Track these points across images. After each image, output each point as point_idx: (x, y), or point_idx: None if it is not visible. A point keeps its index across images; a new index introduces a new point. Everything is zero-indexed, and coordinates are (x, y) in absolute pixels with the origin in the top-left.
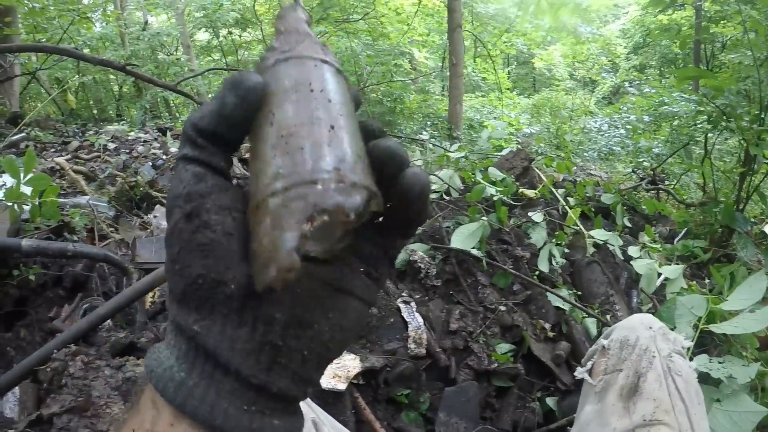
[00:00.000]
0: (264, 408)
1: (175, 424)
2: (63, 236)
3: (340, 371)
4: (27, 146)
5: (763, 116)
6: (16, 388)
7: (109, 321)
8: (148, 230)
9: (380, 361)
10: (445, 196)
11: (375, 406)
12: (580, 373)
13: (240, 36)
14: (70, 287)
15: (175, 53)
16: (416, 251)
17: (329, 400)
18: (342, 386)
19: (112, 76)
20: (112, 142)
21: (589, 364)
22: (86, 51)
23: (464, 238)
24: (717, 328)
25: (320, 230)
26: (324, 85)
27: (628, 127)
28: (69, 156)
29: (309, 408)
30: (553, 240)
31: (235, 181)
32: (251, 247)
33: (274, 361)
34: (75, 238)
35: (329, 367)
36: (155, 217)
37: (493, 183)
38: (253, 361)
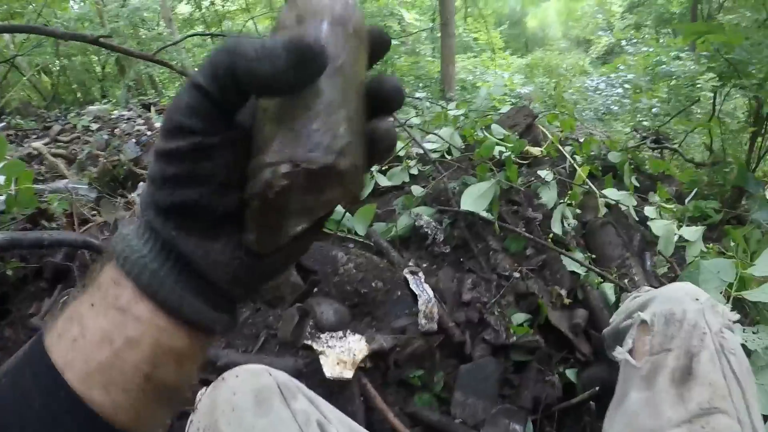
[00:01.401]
0: (220, 306)
1: (138, 303)
2: (40, 225)
3: (345, 356)
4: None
5: None
6: None
7: None
8: (132, 210)
9: (389, 341)
10: (446, 156)
11: (385, 390)
12: (619, 353)
13: (223, 6)
14: (51, 279)
15: (156, 28)
16: (421, 215)
17: (335, 390)
18: (348, 374)
19: (94, 57)
20: (94, 122)
21: (630, 341)
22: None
23: (474, 199)
24: (750, 295)
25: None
26: (344, 61)
27: (626, 86)
28: (48, 140)
29: (313, 407)
30: (565, 200)
31: None
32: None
33: (237, 274)
34: (53, 225)
35: (333, 352)
36: (139, 195)
37: (501, 140)
38: (221, 271)
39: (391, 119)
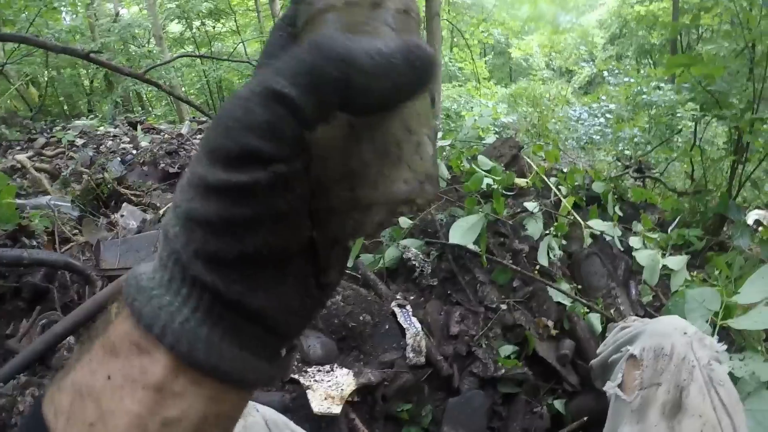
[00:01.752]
0: (274, 359)
1: (179, 376)
2: (20, 241)
3: (333, 391)
4: None
5: (756, 104)
6: None
7: (70, 338)
8: (114, 231)
9: (377, 375)
10: None
11: (372, 424)
12: (610, 388)
13: (213, 27)
14: (29, 299)
15: (147, 45)
16: (409, 248)
17: (322, 425)
18: (336, 409)
19: (83, 71)
20: (80, 137)
21: (619, 376)
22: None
23: (463, 232)
24: (735, 323)
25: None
26: None
27: (608, 116)
28: (32, 153)
29: None
30: (552, 231)
31: None
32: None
33: (290, 310)
34: (34, 243)
35: (321, 387)
36: (122, 216)
37: (488, 172)
38: (296, 319)
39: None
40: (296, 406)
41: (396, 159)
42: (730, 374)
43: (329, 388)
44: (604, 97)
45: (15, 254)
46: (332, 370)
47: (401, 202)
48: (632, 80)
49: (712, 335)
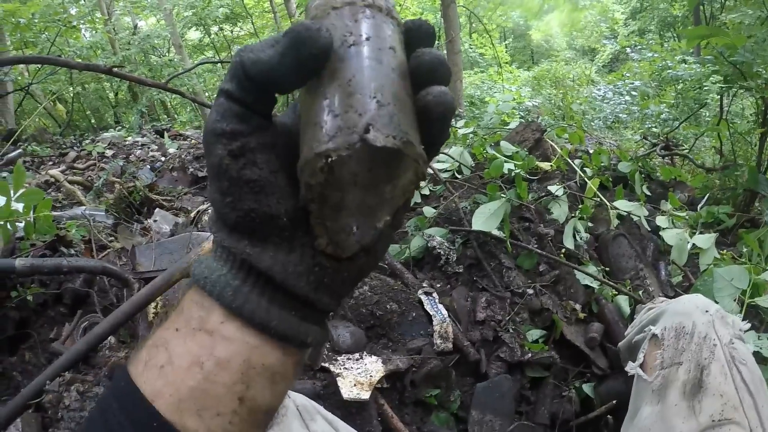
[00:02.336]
0: (308, 317)
1: (225, 322)
2: (59, 251)
3: (362, 378)
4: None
5: None
6: (18, 421)
7: (111, 338)
8: (148, 236)
9: (405, 362)
10: (457, 175)
11: (402, 410)
12: (631, 368)
13: (231, 31)
14: (70, 304)
15: (167, 54)
16: (434, 236)
17: (352, 411)
18: (366, 395)
19: (107, 84)
20: (109, 148)
21: (641, 356)
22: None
23: (486, 218)
24: (764, 301)
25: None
26: (366, 36)
27: (633, 93)
28: (65, 167)
29: (331, 427)
30: (576, 214)
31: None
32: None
33: (321, 281)
34: (72, 251)
35: (350, 374)
36: (155, 221)
37: (510, 157)
38: (304, 282)
39: (443, 87)
40: (327, 394)
41: (316, 124)
42: (758, 354)
43: (358, 375)
44: (628, 74)
45: (55, 263)
46: (361, 357)
47: (318, 155)
48: (656, 55)
49: (740, 314)
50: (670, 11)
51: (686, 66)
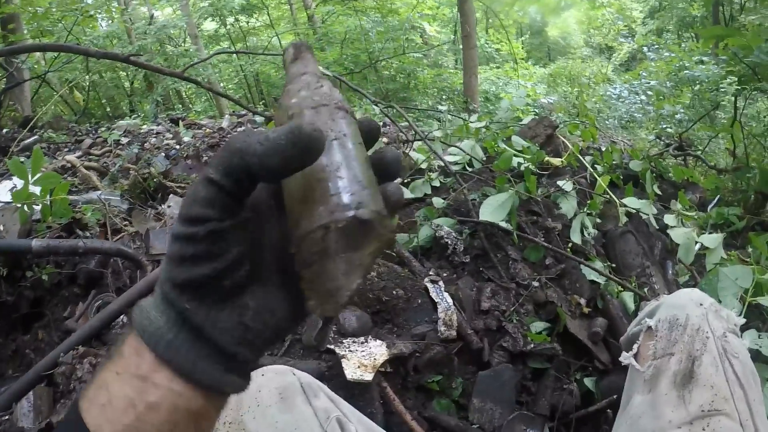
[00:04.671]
0: (231, 369)
1: (157, 371)
2: (75, 233)
3: (366, 360)
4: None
5: None
6: (30, 393)
7: (123, 317)
8: (162, 221)
9: (409, 347)
10: (468, 168)
11: (404, 394)
12: (625, 358)
13: (248, 22)
14: (84, 284)
15: (183, 45)
16: (442, 226)
17: (355, 392)
18: (369, 377)
19: (122, 73)
20: (124, 136)
21: (635, 347)
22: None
23: (493, 209)
24: (766, 300)
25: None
26: (344, 133)
27: (649, 93)
28: (81, 153)
29: (333, 404)
30: (585, 210)
31: None
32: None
33: (244, 338)
34: (87, 234)
35: (354, 356)
36: (169, 207)
37: (520, 152)
38: (228, 337)
39: (398, 181)
40: (331, 375)
41: (314, 202)
42: (757, 351)
43: (363, 358)
44: (644, 74)
45: (71, 244)
46: (366, 341)
47: (320, 228)
48: (673, 55)
49: (741, 312)
50: (689, 11)
51: (703, 67)
